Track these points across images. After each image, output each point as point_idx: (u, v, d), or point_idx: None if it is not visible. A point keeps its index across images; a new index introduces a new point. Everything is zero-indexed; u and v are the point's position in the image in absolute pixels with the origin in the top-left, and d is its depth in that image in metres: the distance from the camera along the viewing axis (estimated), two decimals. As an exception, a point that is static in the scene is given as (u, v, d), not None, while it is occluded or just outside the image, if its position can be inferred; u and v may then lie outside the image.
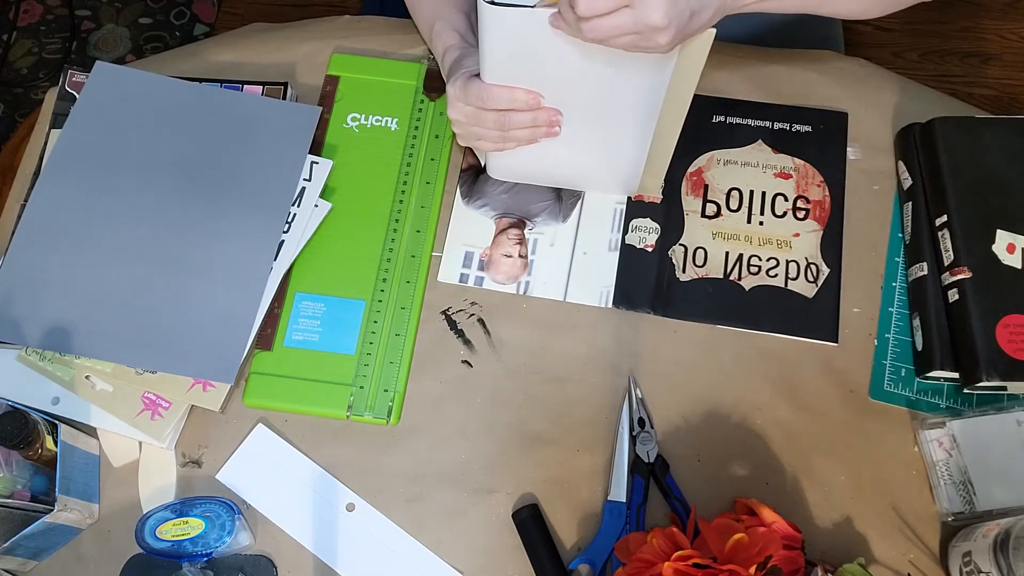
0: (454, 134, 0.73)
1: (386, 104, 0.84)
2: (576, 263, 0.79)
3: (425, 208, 0.80)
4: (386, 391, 0.74)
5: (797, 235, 0.80)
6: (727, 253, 0.79)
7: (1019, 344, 0.69)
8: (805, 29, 0.96)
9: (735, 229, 0.80)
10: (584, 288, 0.78)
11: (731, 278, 0.78)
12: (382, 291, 0.77)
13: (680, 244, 0.79)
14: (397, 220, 0.80)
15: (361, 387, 0.74)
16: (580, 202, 0.81)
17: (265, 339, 0.76)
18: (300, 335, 0.76)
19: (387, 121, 0.84)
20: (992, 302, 0.71)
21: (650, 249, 0.79)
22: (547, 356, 0.76)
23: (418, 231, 0.80)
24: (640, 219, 0.80)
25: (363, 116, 0.84)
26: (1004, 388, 0.71)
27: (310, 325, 0.76)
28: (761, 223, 0.80)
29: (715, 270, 0.78)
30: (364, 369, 0.75)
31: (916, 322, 0.75)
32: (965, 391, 0.73)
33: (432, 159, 0.82)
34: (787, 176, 0.82)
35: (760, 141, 0.83)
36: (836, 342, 0.76)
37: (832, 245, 0.79)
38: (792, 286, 0.78)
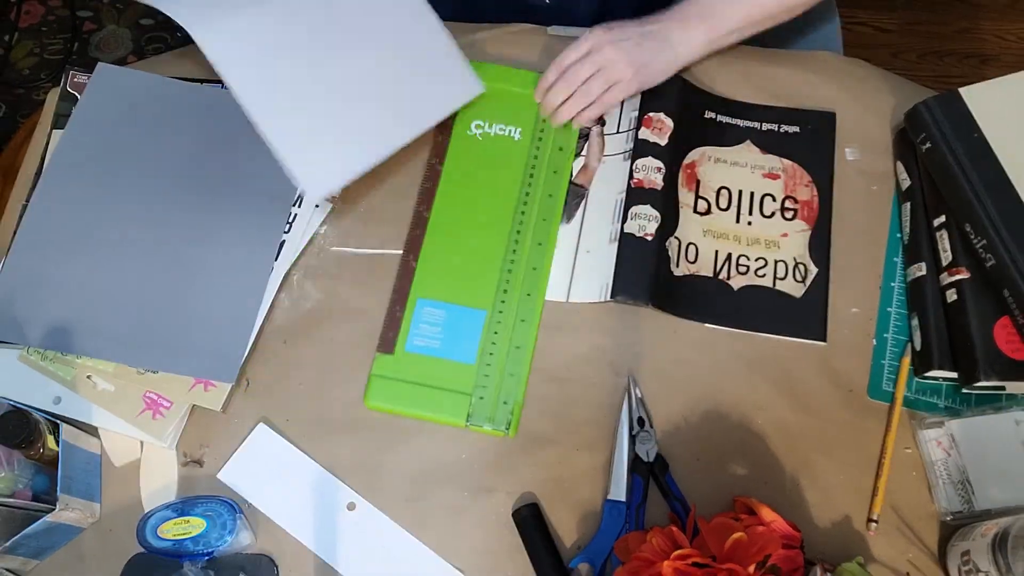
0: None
1: (509, 113, 0.84)
2: (579, 262, 0.79)
3: (547, 221, 0.79)
4: (505, 403, 0.73)
5: (785, 235, 0.80)
6: (716, 252, 0.79)
7: (1017, 344, 0.69)
8: (804, 30, 0.96)
9: (724, 228, 0.80)
10: (586, 287, 0.78)
11: (720, 277, 0.78)
12: (503, 302, 0.77)
13: (675, 237, 0.79)
14: (519, 232, 0.79)
15: (481, 397, 0.73)
16: (584, 201, 0.81)
17: (387, 342, 0.75)
18: (421, 340, 0.75)
19: (511, 131, 0.83)
20: (990, 302, 0.71)
21: (649, 238, 0.77)
22: (547, 356, 0.76)
23: (539, 244, 0.79)
24: (640, 206, 0.78)
25: (487, 124, 0.83)
26: (1002, 388, 0.71)
27: (431, 332, 0.75)
28: (750, 223, 0.80)
29: (705, 267, 0.78)
30: (484, 380, 0.74)
31: (915, 322, 0.75)
32: (964, 391, 0.73)
33: (555, 172, 0.81)
34: (775, 176, 0.82)
35: (748, 142, 0.83)
36: (824, 341, 0.76)
37: (820, 245, 0.79)
38: (780, 286, 0.78)
